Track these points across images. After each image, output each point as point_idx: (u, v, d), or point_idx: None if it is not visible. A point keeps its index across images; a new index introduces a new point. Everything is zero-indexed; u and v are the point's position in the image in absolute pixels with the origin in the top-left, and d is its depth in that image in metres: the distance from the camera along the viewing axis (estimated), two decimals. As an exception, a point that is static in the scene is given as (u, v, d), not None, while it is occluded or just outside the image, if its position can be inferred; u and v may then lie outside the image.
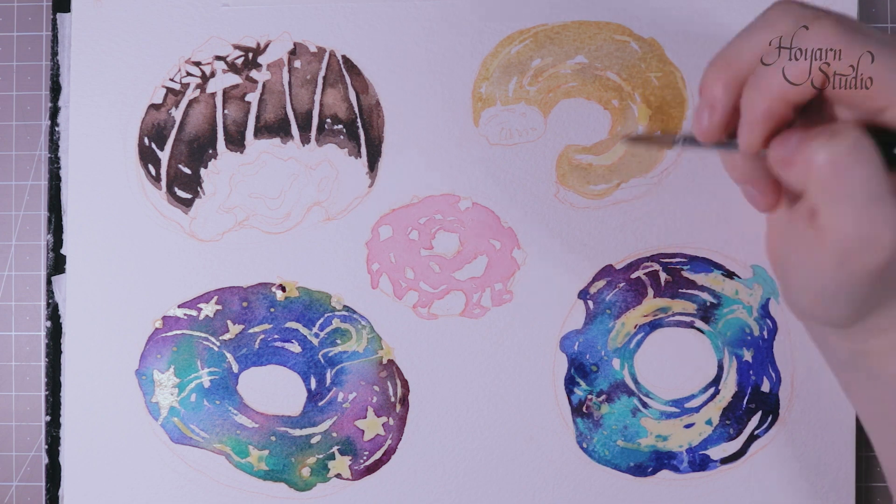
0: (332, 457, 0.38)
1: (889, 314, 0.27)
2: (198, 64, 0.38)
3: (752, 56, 0.26)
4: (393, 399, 0.38)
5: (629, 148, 0.37)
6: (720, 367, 0.37)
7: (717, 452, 0.37)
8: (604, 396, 0.37)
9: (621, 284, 0.37)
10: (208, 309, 0.38)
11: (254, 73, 0.38)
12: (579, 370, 0.37)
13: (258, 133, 0.38)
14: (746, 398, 0.37)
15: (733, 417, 0.37)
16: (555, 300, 0.37)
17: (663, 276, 0.37)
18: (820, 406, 0.37)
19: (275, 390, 0.38)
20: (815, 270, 0.26)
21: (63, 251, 0.38)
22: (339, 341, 0.38)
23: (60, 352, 0.38)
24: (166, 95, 0.38)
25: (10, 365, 0.40)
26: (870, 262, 0.25)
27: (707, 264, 0.37)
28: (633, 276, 0.37)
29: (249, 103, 0.38)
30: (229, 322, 0.38)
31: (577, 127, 0.38)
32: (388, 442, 0.38)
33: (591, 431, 0.37)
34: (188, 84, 0.38)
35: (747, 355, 0.37)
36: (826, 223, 0.25)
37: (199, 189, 0.38)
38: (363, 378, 0.38)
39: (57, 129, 0.39)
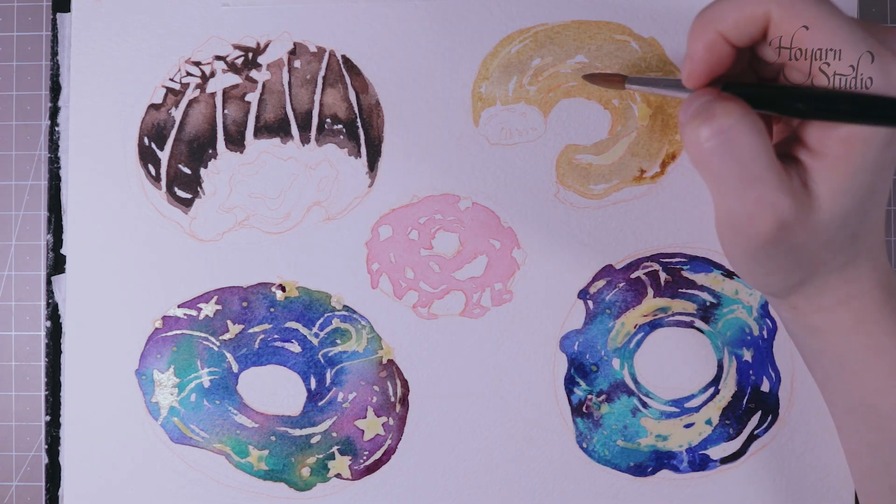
0: (332, 457, 0.38)
1: (830, 292, 0.28)
2: (198, 64, 0.38)
3: (734, 18, 0.25)
4: (393, 399, 0.38)
5: (588, 83, 0.37)
6: (720, 367, 0.37)
7: (716, 452, 0.37)
8: (604, 396, 0.37)
9: (621, 284, 0.37)
10: (208, 309, 0.38)
11: (254, 73, 0.38)
12: (579, 370, 0.37)
13: (258, 133, 0.38)
14: (746, 398, 0.37)
15: (733, 417, 0.37)
16: (555, 300, 0.37)
17: (663, 275, 0.37)
18: (820, 406, 0.36)
19: (275, 390, 0.38)
20: (722, 238, 0.28)
21: (63, 251, 0.38)
22: (339, 341, 0.38)
23: (60, 352, 0.38)
24: (166, 95, 0.38)
25: (10, 365, 0.40)
26: (755, 236, 0.26)
27: (707, 264, 0.37)
28: (633, 275, 0.37)
29: (249, 103, 0.38)
30: (229, 322, 0.38)
31: (577, 127, 0.38)
32: (388, 442, 0.38)
33: (590, 431, 0.37)
34: (188, 84, 0.38)
35: (747, 355, 0.37)
36: (712, 196, 0.26)
37: (199, 189, 0.38)
38: (363, 378, 0.38)
39: (57, 129, 0.39)
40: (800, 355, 0.33)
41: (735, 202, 0.26)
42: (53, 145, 0.39)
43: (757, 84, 0.26)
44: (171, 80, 0.38)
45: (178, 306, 0.38)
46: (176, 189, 0.38)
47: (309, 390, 0.38)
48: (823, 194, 0.25)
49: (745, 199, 0.25)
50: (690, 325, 0.37)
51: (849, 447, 0.32)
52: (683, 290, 0.37)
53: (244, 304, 0.38)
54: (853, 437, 0.32)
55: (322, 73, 0.38)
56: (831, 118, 0.24)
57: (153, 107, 0.38)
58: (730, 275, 0.37)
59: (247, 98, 0.38)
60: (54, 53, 0.39)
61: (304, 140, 0.38)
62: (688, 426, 0.37)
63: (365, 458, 0.38)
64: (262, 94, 0.38)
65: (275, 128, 0.38)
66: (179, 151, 0.38)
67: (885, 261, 0.29)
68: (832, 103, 0.23)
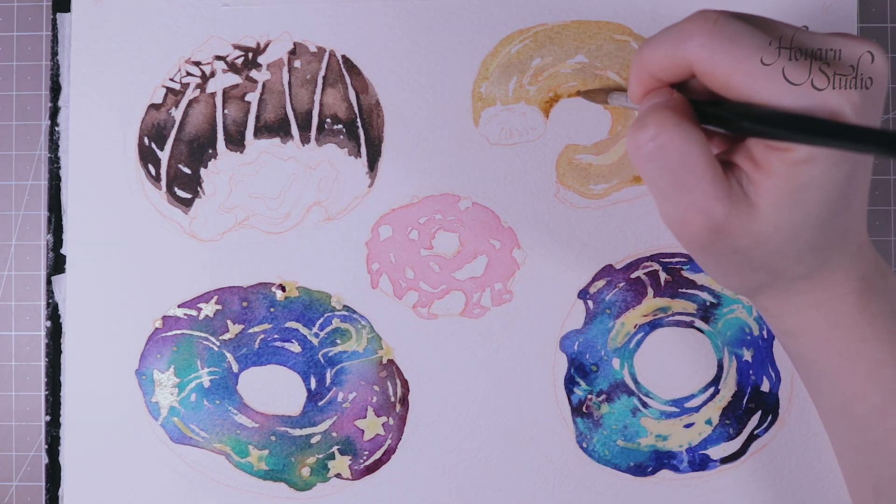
0: (332, 457, 0.38)
1: (798, 296, 0.28)
2: (198, 64, 0.38)
3: (660, 63, 0.26)
4: (393, 399, 0.38)
5: (584, 99, 0.37)
6: (720, 367, 0.37)
7: (716, 452, 0.37)
8: (604, 396, 0.37)
9: (621, 284, 0.37)
10: (208, 309, 0.38)
11: (254, 73, 0.38)
12: (579, 370, 0.37)
13: (258, 133, 0.38)
14: (746, 398, 0.37)
15: (733, 417, 0.37)
16: (555, 300, 0.37)
17: (663, 275, 0.37)
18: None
19: (275, 390, 0.38)
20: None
21: (63, 251, 0.38)
22: (339, 341, 0.38)
23: (60, 352, 0.38)
24: (166, 95, 0.38)
25: (10, 365, 0.40)
26: (690, 239, 0.26)
27: (707, 264, 0.37)
28: (633, 275, 0.37)
29: (249, 103, 0.38)
30: (229, 322, 0.38)
31: (577, 127, 0.38)
32: (388, 442, 0.38)
33: (590, 431, 0.37)
34: (188, 84, 0.38)
35: (747, 355, 0.37)
36: (653, 198, 0.27)
37: (199, 189, 0.38)
38: (363, 378, 0.38)
39: (57, 129, 0.39)
40: None
41: (669, 206, 0.26)
42: (53, 145, 0.39)
43: (701, 102, 0.26)
44: (171, 80, 0.38)
45: (178, 306, 0.38)
46: (176, 189, 0.38)
47: (309, 390, 0.38)
48: (765, 206, 0.25)
49: (678, 205, 0.26)
50: (690, 325, 0.37)
51: (835, 447, 0.32)
52: (683, 290, 0.37)
53: (244, 304, 0.38)
54: (837, 437, 0.32)
55: (322, 73, 0.38)
56: (776, 138, 0.24)
57: (153, 107, 0.38)
58: (730, 275, 0.37)
59: (247, 98, 0.38)
60: (54, 53, 0.39)
61: (304, 140, 0.38)
62: (688, 426, 0.37)
63: (365, 458, 0.38)
64: (262, 94, 0.38)
65: (275, 128, 0.38)
66: (179, 151, 0.38)
67: (863, 265, 0.28)
68: (776, 123, 0.23)
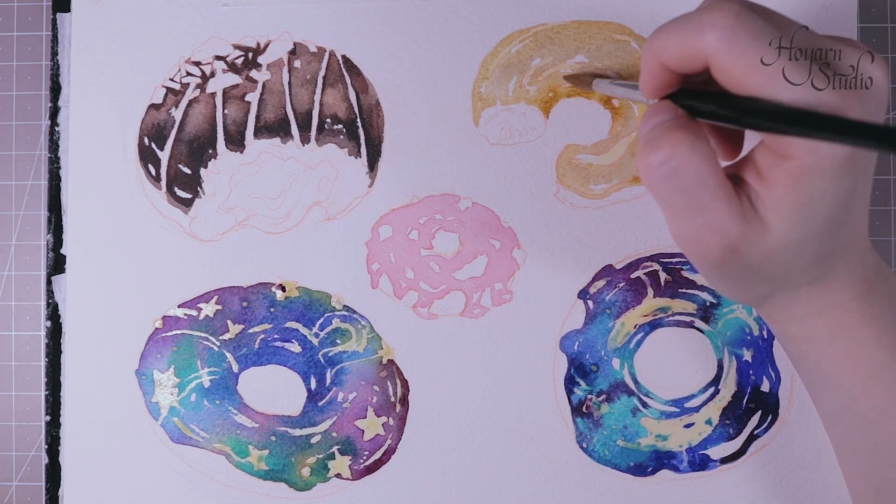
0: (332, 457, 0.38)
1: (800, 304, 0.28)
2: (198, 64, 0.38)
3: (674, 52, 0.25)
4: (393, 399, 0.38)
5: (567, 81, 0.37)
6: (720, 367, 0.37)
7: (716, 452, 0.37)
8: (604, 396, 0.37)
9: (621, 284, 0.37)
10: (208, 309, 0.38)
11: (254, 73, 0.38)
12: (579, 370, 0.37)
13: (258, 133, 0.38)
14: (746, 398, 0.37)
15: (733, 417, 0.37)
16: (555, 300, 0.37)
17: (663, 275, 0.37)
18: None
19: (275, 390, 0.38)
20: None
21: (63, 251, 0.38)
22: (339, 341, 0.38)
23: (60, 352, 0.38)
24: (166, 95, 0.38)
25: (10, 365, 0.40)
26: (704, 258, 0.26)
27: (707, 264, 0.37)
28: (633, 275, 0.37)
29: (249, 103, 0.38)
30: (229, 322, 0.38)
31: (577, 127, 0.38)
32: (388, 442, 0.38)
33: (591, 431, 0.37)
34: (188, 84, 0.38)
35: (747, 355, 0.37)
36: (665, 217, 0.27)
37: (199, 189, 0.38)
38: (363, 378, 0.38)
39: (57, 129, 0.39)
40: None
41: (683, 226, 0.26)
42: (53, 145, 0.39)
43: (707, 93, 0.26)
44: (171, 80, 0.38)
45: (178, 306, 0.38)
46: (176, 189, 0.38)
47: (309, 390, 0.38)
48: (773, 221, 0.25)
49: (693, 225, 0.25)
50: (690, 325, 0.37)
51: (836, 449, 0.32)
52: (683, 290, 0.37)
53: (244, 304, 0.38)
54: (838, 439, 0.31)
55: (322, 73, 0.38)
56: (780, 131, 0.23)
57: (153, 107, 0.38)
58: (730, 275, 0.37)
59: (247, 98, 0.38)
60: (54, 53, 0.39)
61: (304, 140, 0.38)
62: (688, 426, 0.37)
63: (365, 458, 0.38)
64: (262, 94, 0.38)
65: (275, 128, 0.38)
66: (179, 151, 0.38)
67: (865, 271, 0.28)
68: (782, 116, 0.23)
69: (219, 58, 0.38)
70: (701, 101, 0.25)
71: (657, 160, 0.25)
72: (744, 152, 0.28)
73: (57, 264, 0.38)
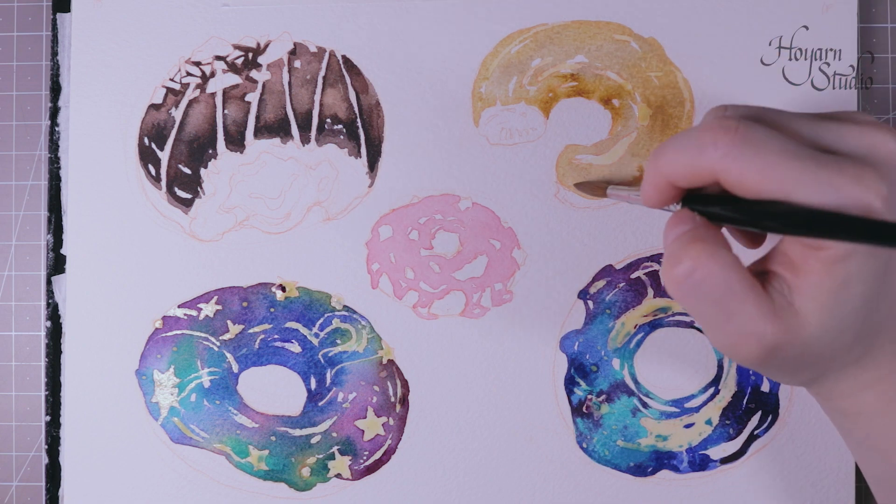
0: (332, 457, 0.38)
1: (848, 381, 0.28)
2: (198, 64, 0.38)
3: (682, 172, 0.25)
4: (393, 399, 0.38)
5: (579, 191, 0.37)
6: (720, 367, 0.37)
7: (716, 452, 0.37)
8: (604, 396, 0.37)
9: (621, 284, 0.37)
10: (208, 309, 0.38)
11: (254, 73, 0.38)
12: (579, 370, 0.37)
13: (258, 133, 0.38)
14: (746, 398, 0.37)
15: (733, 417, 0.37)
16: (555, 300, 0.37)
17: (663, 276, 0.37)
18: (819, 406, 0.36)
19: (275, 390, 0.38)
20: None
21: (63, 251, 0.38)
22: (339, 341, 0.38)
23: (60, 352, 0.38)
24: (166, 95, 0.38)
25: (10, 365, 0.40)
26: (744, 361, 0.26)
27: (707, 264, 0.37)
28: (633, 275, 0.37)
29: (249, 103, 0.38)
30: (229, 322, 0.38)
31: (577, 127, 0.38)
32: (388, 442, 0.38)
33: (591, 431, 0.37)
34: (188, 84, 0.38)
35: (747, 355, 0.37)
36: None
37: (199, 189, 0.38)
38: (363, 378, 0.38)
39: (57, 129, 0.39)
40: None
41: (718, 334, 0.25)
42: (53, 145, 0.39)
43: (726, 198, 0.25)
44: (171, 80, 0.38)
45: (179, 306, 0.38)
46: (176, 189, 0.38)
47: (309, 390, 0.38)
48: (811, 311, 0.25)
49: (727, 332, 0.25)
50: (690, 325, 0.37)
51: None
52: (683, 290, 0.37)
53: (244, 304, 0.38)
54: (886, 501, 0.31)
55: (322, 73, 0.38)
56: (802, 234, 0.23)
57: (153, 107, 0.38)
58: (730, 275, 0.37)
59: (247, 98, 0.38)
60: (54, 53, 0.39)
61: (305, 140, 0.38)
62: (688, 426, 0.37)
63: (365, 458, 0.38)
64: (262, 94, 0.38)
65: (275, 128, 0.38)
66: (179, 151, 0.38)
67: None
68: (800, 219, 0.23)
69: (219, 58, 0.38)
70: (720, 208, 0.25)
71: (681, 274, 0.25)
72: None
73: (57, 264, 0.38)
